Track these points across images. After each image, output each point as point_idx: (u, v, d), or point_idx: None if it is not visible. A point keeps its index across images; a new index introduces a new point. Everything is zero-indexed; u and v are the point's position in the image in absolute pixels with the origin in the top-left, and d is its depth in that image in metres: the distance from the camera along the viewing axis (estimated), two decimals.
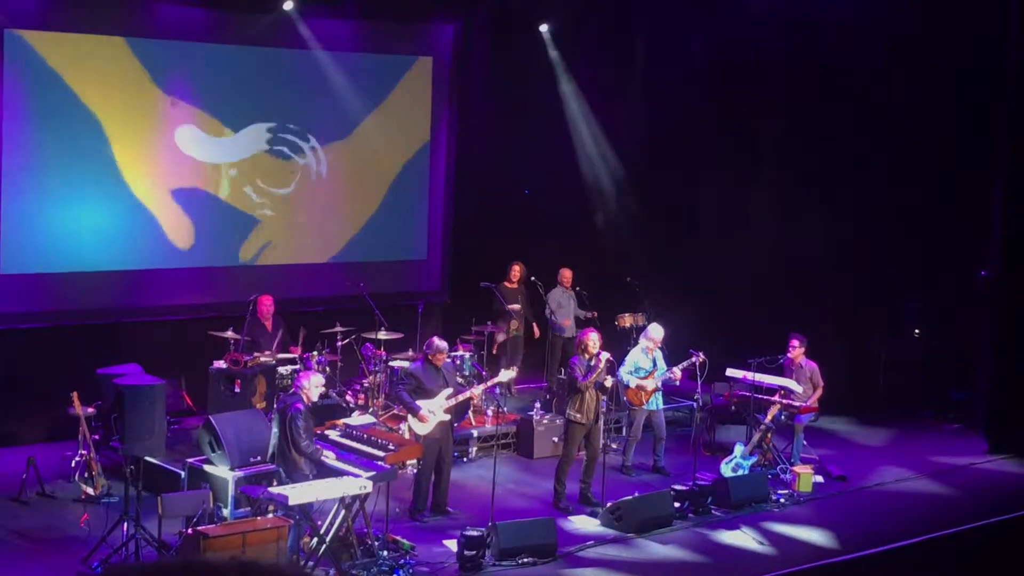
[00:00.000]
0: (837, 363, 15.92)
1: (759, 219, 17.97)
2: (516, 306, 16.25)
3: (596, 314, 16.19)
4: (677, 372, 14.04)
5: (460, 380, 14.44)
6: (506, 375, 13.42)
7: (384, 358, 14.96)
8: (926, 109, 17.14)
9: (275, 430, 11.41)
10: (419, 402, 12.36)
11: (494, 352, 16.21)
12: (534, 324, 16.67)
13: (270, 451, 11.53)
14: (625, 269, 17.20)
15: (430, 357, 12.56)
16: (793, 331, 14.93)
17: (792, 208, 17.64)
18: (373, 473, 11.20)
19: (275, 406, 11.83)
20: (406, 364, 14.86)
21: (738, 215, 18.10)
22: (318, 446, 11.41)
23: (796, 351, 14.76)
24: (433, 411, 12.35)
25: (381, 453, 11.58)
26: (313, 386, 11.50)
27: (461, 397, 12.75)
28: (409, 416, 12.52)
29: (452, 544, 11.58)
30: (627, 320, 16.31)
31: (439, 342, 12.65)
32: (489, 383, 13.54)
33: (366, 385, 14.96)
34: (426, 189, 17.56)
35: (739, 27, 17.52)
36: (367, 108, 16.70)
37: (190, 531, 10.48)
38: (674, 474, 14.13)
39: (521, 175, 18.44)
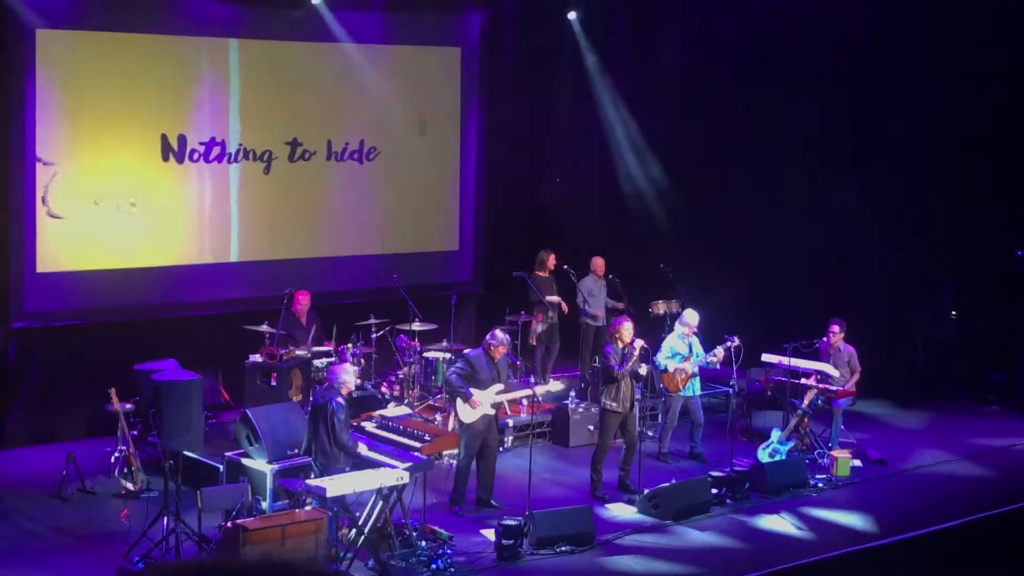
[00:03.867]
0: (874, 346, 15.85)
1: (794, 202, 17.87)
2: (555, 298, 16.22)
3: (624, 304, 16.13)
4: (720, 353, 13.97)
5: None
6: (555, 386, 13.37)
7: (418, 349, 14.98)
8: (963, 89, 17.00)
9: (310, 424, 11.43)
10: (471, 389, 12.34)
11: (532, 342, 16.18)
12: (563, 303, 16.54)
13: (304, 446, 11.55)
14: (658, 256, 17.14)
15: (491, 348, 12.48)
16: (831, 315, 14.86)
17: (827, 190, 17.54)
18: (410, 464, 11.23)
19: (311, 400, 11.85)
20: (440, 355, 14.89)
21: (772, 198, 18.00)
22: (354, 439, 11.44)
23: (836, 336, 14.67)
24: (481, 401, 12.32)
25: (418, 444, 11.60)
26: (350, 377, 11.55)
27: (511, 396, 12.69)
28: (458, 401, 12.37)
29: (490, 533, 11.60)
30: (661, 307, 16.25)
31: (501, 335, 12.58)
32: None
33: (401, 376, 14.99)
34: (457, 180, 17.56)
35: (770, 8, 17.40)
36: (396, 99, 16.70)
37: (230, 525, 10.54)
38: (711, 460, 14.11)
39: (552, 164, 18.42)
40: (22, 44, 13.77)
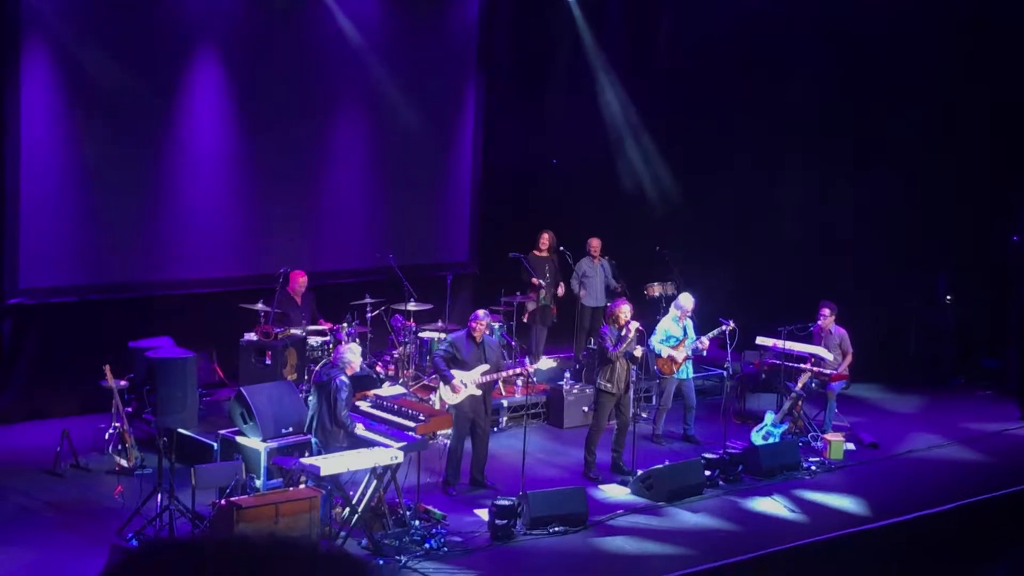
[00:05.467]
0: (869, 330, 15.87)
1: (790, 186, 17.87)
2: (541, 282, 16.21)
3: (622, 287, 16.14)
4: (705, 341, 14.06)
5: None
6: (545, 363, 13.36)
7: (414, 329, 14.99)
8: (959, 76, 16.98)
9: (313, 401, 11.46)
10: (453, 371, 12.35)
11: (524, 320, 16.22)
12: (561, 284, 16.58)
13: (308, 422, 11.58)
14: (654, 238, 17.15)
15: (473, 329, 12.52)
16: (824, 299, 14.88)
17: (823, 175, 17.54)
18: (404, 443, 11.25)
19: (314, 378, 11.88)
20: (435, 335, 14.90)
21: (768, 182, 18.00)
22: (352, 419, 11.45)
23: (827, 319, 14.71)
24: (465, 383, 12.33)
25: (412, 424, 11.62)
26: (356, 357, 11.57)
27: (499, 375, 12.69)
28: (441, 384, 12.50)
29: (483, 513, 11.62)
30: (656, 289, 16.28)
31: (483, 314, 12.61)
32: (526, 368, 13.39)
33: (396, 356, 15.01)
34: (454, 160, 17.54)
35: None
36: (394, 81, 16.66)
37: (223, 502, 10.55)
38: (705, 442, 14.14)
39: (548, 145, 18.40)
40: (18, 19, 13.70)
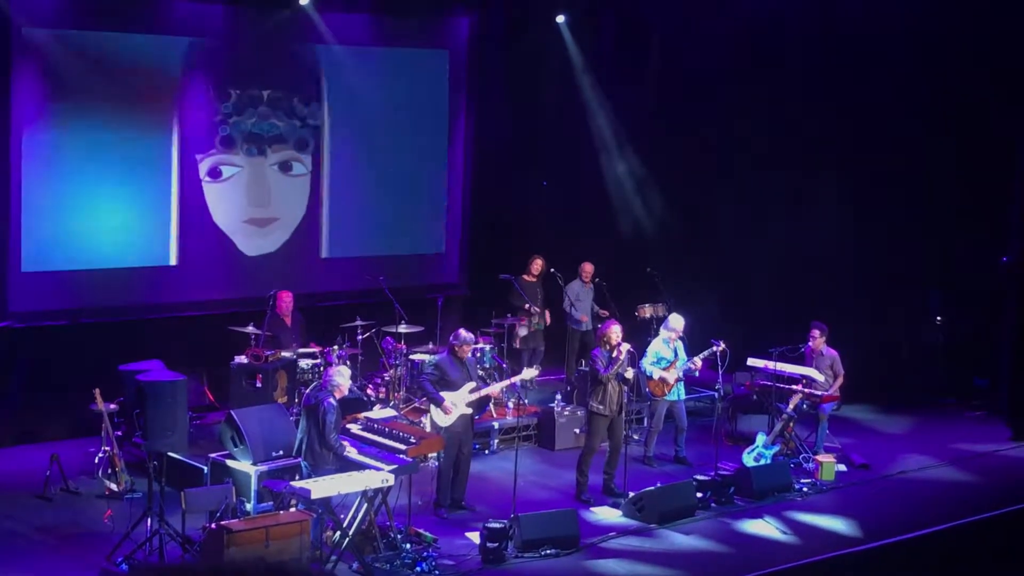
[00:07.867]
0: (859, 351, 15.87)
1: (779, 207, 17.88)
2: (535, 308, 16.20)
3: (608, 313, 16.13)
4: (698, 362, 14.07)
5: (481, 373, 14.39)
6: (528, 373, 13.34)
7: (404, 351, 14.96)
8: (949, 95, 17.03)
9: (303, 424, 11.44)
10: (442, 393, 12.34)
11: (516, 345, 16.19)
12: (547, 312, 16.58)
13: (297, 446, 11.56)
14: (645, 260, 17.15)
15: (456, 349, 12.51)
16: (814, 320, 14.90)
17: (812, 195, 17.56)
18: (395, 466, 11.22)
19: (303, 401, 11.86)
20: (426, 357, 14.87)
21: (758, 202, 18.01)
22: (342, 441, 11.42)
23: (817, 340, 14.73)
24: (455, 403, 12.33)
25: (403, 447, 11.60)
26: (344, 380, 11.54)
27: (484, 392, 12.71)
28: (431, 408, 12.48)
29: (474, 536, 11.59)
30: (647, 311, 16.26)
31: (465, 334, 12.60)
32: (512, 380, 13.45)
33: (387, 379, 14.97)
34: (444, 182, 17.55)
35: (757, 15, 17.41)
36: (384, 102, 16.69)
37: (214, 526, 10.51)
38: (696, 464, 14.13)
39: (539, 167, 18.42)
40: (8, 42, 13.71)
